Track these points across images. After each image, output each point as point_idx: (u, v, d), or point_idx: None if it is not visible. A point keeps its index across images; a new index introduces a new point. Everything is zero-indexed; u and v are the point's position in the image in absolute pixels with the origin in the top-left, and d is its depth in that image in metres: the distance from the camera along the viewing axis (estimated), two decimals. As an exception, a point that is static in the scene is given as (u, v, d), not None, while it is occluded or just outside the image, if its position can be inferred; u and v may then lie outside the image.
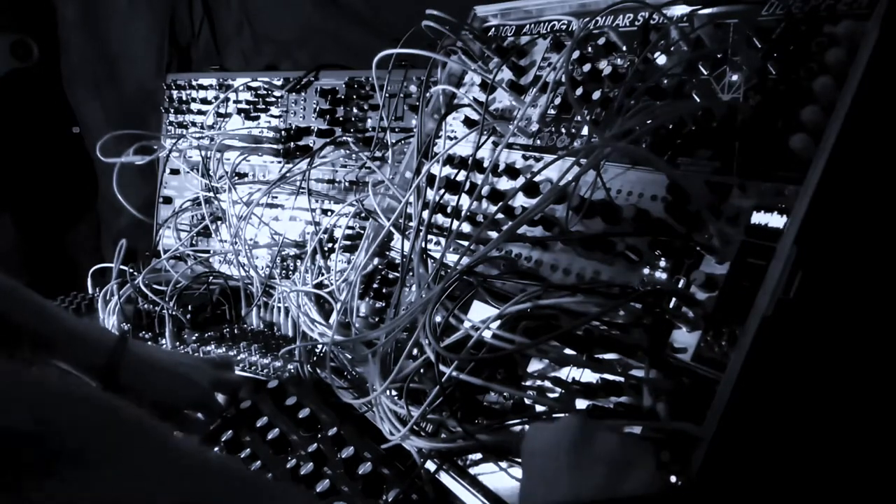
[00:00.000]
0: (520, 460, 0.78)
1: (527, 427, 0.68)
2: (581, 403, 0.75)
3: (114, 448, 0.42)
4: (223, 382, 1.13)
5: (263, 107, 1.59)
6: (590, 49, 0.95)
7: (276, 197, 1.51)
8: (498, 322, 0.80)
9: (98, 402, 0.46)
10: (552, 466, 0.60)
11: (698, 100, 0.79)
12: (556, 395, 0.78)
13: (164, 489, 0.42)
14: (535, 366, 0.84)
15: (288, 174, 1.40)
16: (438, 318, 0.86)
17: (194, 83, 1.76)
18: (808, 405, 0.67)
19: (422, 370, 0.90)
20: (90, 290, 1.65)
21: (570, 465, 0.59)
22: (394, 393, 0.95)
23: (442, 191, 1.02)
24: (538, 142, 0.99)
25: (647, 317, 0.73)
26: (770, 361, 0.62)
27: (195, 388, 1.07)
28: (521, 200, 0.94)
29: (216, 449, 1.05)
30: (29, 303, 0.98)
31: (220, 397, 1.14)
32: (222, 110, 1.65)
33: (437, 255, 0.97)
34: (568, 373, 0.80)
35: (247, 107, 1.61)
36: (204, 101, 1.73)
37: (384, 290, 1.14)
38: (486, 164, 1.02)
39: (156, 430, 0.48)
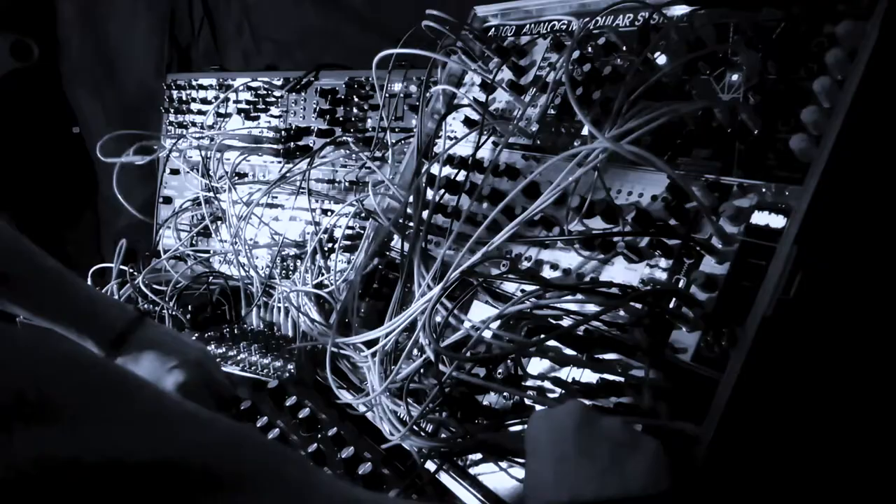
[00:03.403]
0: (520, 460, 0.78)
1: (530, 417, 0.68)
2: (581, 403, 0.75)
3: (93, 405, 0.41)
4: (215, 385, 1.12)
5: (263, 107, 1.59)
6: (590, 49, 0.95)
7: (276, 197, 1.51)
8: (498, 322, 0.80)
9: (79, 359, 0.45)
10: (559, 450, 0.61)
11: (698, 100, 0.79)
12: (556, 395, 0.78)
13: (143, 443, 0.41)
14: (535, 366, 0.84)
15: (288, 174, 1.40)
16: (438, 318, 0.86)
17: (194, 83, 1.76)
18: (807, 405, 0.67)
19: (422, 370, 0.90)
20: (90, 290, 1.65)
21: (576, 447, 0.60)
22: (394, 393, 0.95)
23: (442, 191, 1.02)
24: (538, 142, 0.99)
25: (647, 317, 0.73)
26: (770, 361, 0.62)
27: (205, 369, 1.06)
28: (521, 200, 0.94)
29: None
30: (48, 270, 0.99)
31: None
32: (222, 110, 1.65)
33: (437, 255, 0.97)
34: (568, 373, 0.80)
35: (247, 107, 1.61)
36: (204, 101, 1.73)
37: (384, 290, 1.14)
38: (486, 165, 1.02)
39: (138, 386, 0.46)
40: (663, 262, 0.76)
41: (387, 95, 1.28)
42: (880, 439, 0.70)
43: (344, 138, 1.39)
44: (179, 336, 1.13)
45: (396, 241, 1.14)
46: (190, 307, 1.42)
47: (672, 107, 0.74)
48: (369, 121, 1.41)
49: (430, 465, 0.88)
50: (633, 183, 0.83)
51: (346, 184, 1.42)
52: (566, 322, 0.75)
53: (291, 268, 1.43)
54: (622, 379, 0.74)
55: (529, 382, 0.82)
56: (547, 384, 0.80)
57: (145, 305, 1.45)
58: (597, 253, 0.83)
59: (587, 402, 0.75)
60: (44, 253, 1.00)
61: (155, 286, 1.47)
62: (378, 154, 1.31)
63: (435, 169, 1.04)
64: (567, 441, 0.60)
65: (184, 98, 1.77)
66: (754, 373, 0.62)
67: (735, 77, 0.77)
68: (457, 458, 0.87)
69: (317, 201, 1.42)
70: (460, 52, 1.12)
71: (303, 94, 1.54)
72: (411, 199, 1.03)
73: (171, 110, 1.79)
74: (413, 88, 1.31)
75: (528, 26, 1.10)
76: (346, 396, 1.06)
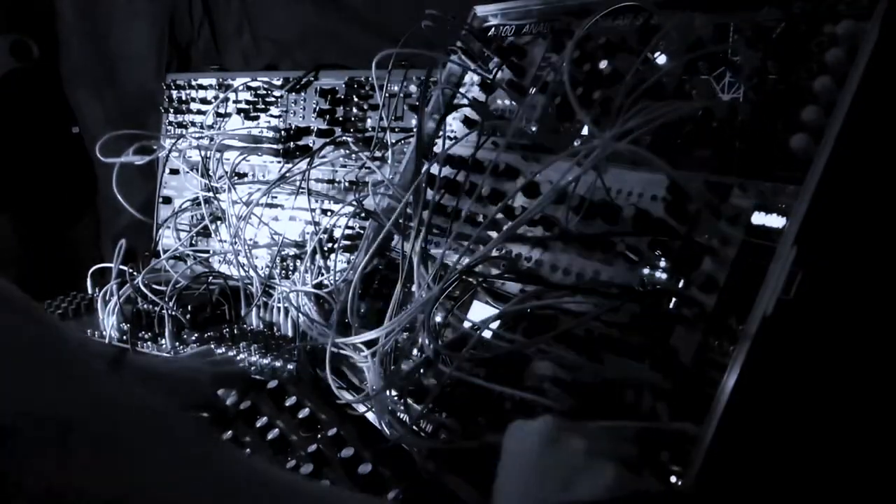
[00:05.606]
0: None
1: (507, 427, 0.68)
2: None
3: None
4: (224, 377, 1.13)
5: (263, 107, 1.59)
6: (590, 49, 0.95)
7: (276, 197, 1.50)
8: (498, 322, 0.80)
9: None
10: (522, 464, 0.62)
11: (698, 100, 0.79)
12: (556, 394, 0.78)
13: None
14: (534, 365, 0.84)
15: (288, 174, 1.39)
16: (438, 318, 0.86)
17: (194, 83, 1.76)
18: (808, 405, 0.67)
19: (422, 370, 0.90)
20: (90, 290, 1.65)
21: (536, 466, 0.60)
22: (394, 393, 0.95)
23: (442, 191, 1.02)
24: (538, 142, 0.99)
25: (647, 317, 0.73)
26: (770, 361, 0.62)
27: (197, 390, 1.07)
28: (521, 200, 0.94)
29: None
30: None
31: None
32: (222, 110, 1.65)
33: (437, 255, 0.97)
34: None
35: (246, 107, 1.61)
36: (204, 101, 1.73)
37: (384, 290, 1.14)
38: (485, 165, 1.02)
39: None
40: (663, 263, 0.76)
41: (386, 95, 1.28)
42: (881, 439, 0.70)
43: (344, 138, 1.39)
44: (162, 359, 1.14)
45: (396, 241, 1.14)
46: (189, 307, 1.42)
47: (672, 106, 0.74)
48: (369, 121, 1.41)
49: (430, 465, 0.88)
50: (633, 183, 0.83)
51: (346, 184, 1.42)
52: (566, 322, 0.75)
53: (291, 268, 1.43)
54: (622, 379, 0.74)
55: (529, 382, 0.82)
56: (546, 384, 0.80)
57: (145, 305, 1.45)
58: (597, 253, 0.83)
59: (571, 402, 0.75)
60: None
61: (154, 286, 1.46)
62: (378, 154, 1.31)
63: (435, 169, 1.04)
64: (531, 459, 0.61)
65: (183, 98, 1.77)
66: (754, 373, 0.62)
67: (735, 77, 0.76)
68: (457, 458, 0.87)
69: (316, 201, 1.42)
70: (460, 52, 1.12)
71: (302, 93, 1.54)
72: (411, 199, 1.03)
73: (171, 110, 1.79)
74: (413, 88, 1.30)
75: (527, 26, 1.10)
76: (345, 396, 1.05)
